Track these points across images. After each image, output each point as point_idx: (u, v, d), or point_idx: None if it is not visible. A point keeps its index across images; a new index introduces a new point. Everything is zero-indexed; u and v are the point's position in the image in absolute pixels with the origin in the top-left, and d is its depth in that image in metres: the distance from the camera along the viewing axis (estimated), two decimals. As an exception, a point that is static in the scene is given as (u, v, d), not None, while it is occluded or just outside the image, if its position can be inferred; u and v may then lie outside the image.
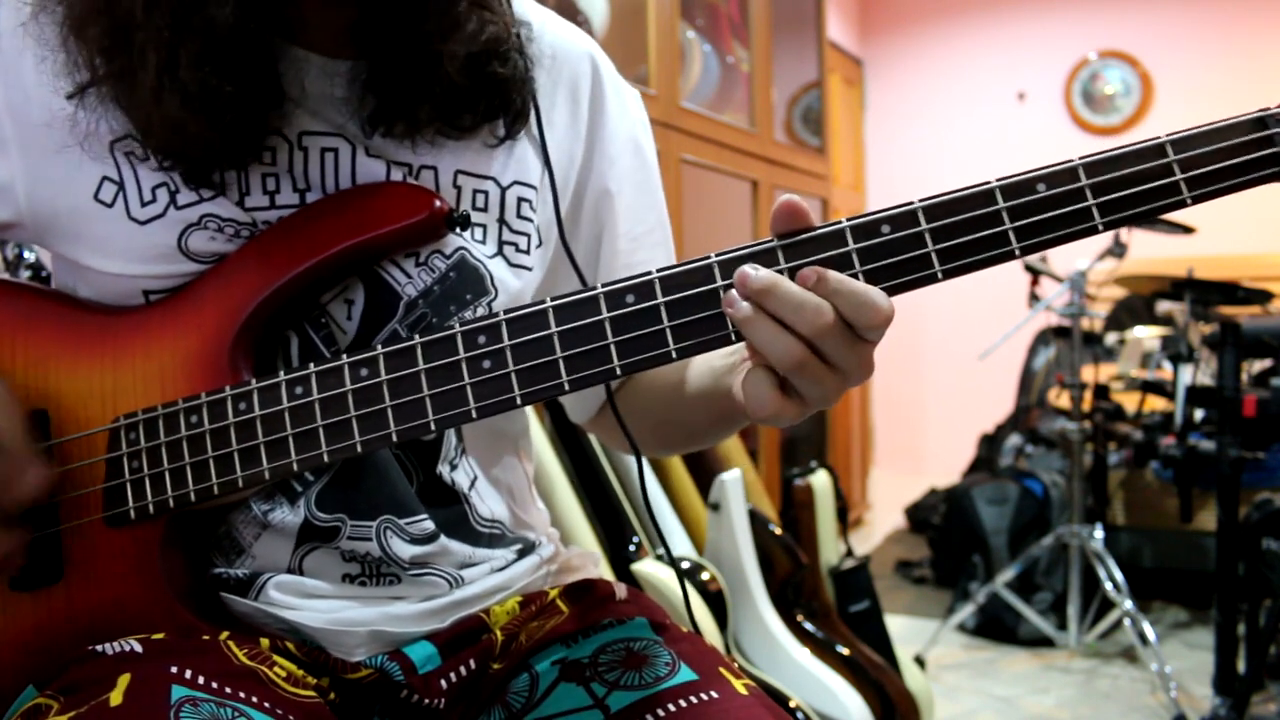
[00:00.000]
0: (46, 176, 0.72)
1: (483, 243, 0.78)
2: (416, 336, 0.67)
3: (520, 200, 0.80)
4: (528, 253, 0.80)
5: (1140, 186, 0.61)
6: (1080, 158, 0.61)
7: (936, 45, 5.63)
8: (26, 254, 1.24)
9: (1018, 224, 0.61)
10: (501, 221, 0.79)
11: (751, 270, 0.60)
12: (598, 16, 2.58)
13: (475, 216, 0.77)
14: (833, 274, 0.60)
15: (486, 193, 0.78)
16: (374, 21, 0.72)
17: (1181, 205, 0.61)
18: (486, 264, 0.77)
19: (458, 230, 0.75)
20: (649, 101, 2.62)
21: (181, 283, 0.73)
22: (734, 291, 0.61)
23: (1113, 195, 0.61)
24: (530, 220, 0.80)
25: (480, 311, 0.76)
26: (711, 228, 2.98)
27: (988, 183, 0.62)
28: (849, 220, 0.63)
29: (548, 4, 0.89)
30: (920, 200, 0.62)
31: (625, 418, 0.83)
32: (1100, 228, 0.61)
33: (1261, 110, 0.61)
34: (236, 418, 0.69)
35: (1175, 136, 0.61)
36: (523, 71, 0.77)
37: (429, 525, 0.76)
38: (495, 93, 0.75)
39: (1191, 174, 0.60)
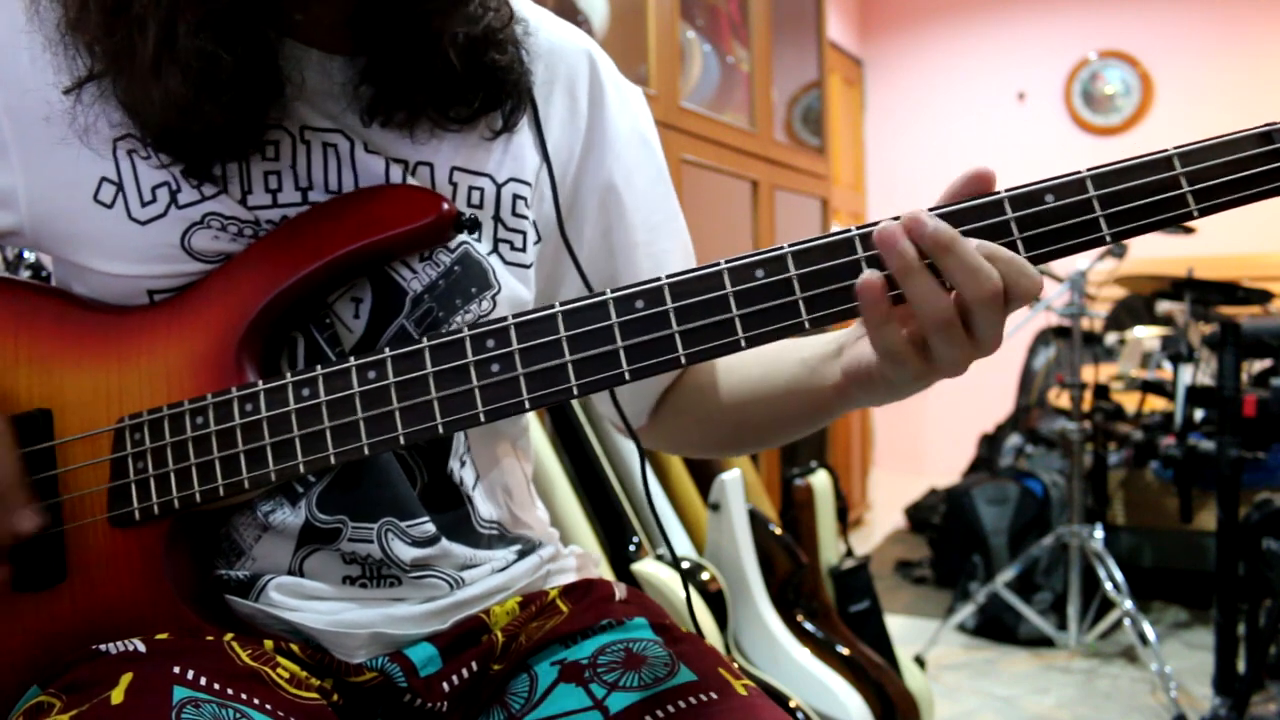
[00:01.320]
0: (46, 178, 0.72)
1: (479, 241, 0.78)
2: (424, 339, 0.67)
3: (516, 197, 0.80)
4: (524, 250, 0.80)
5: (1148, 199, 0.61)
6: (1088, 169, 0.62)
7: (936, 45, 5.63)
8: (26, 254, 1.24)
9: (1026, 235, 0.61)
10: (497, 219, 0.79)
11: (928, 220, 0.60)
12: (598, 16, 2.58)
13: (472, 215, 0.78)
14: (994, 245, 0.61)
15: (482, 189, 0.78)
16: (372, 14, 0.72)
17: (1189, 217, 0.61)
18: (487, 258, 0.77)
19: (465, 233, 0.75)
20: (649, 102, 2.61)
21: (186, 282, 0.73)
22: (895, 234, 0.61)
23: (1120, 207, 0.61)
24: (525, 217, 0.80)
25: (485, 305, 0.76)
26: (711, 228, 2.97)
27: (996, 193, 0.62)
28: (858, 229, 0.63)
29: (547, 4, 0.89)
30: (929, 209, 0.62)
31: (689, 421, 0.85)
32: (1108, 239, 0.61)
33: (1269, 125, 0.61)
34: (243, 419, 0.69)
35: (1182, 149, 0.61)
36: (520, 62, 0.77)
37: (430, 528, 0.76)
38: (493, 82, 0.76)
39: (1198, 187, 0.61)
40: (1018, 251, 0.62)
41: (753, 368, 0.82)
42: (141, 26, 0.66)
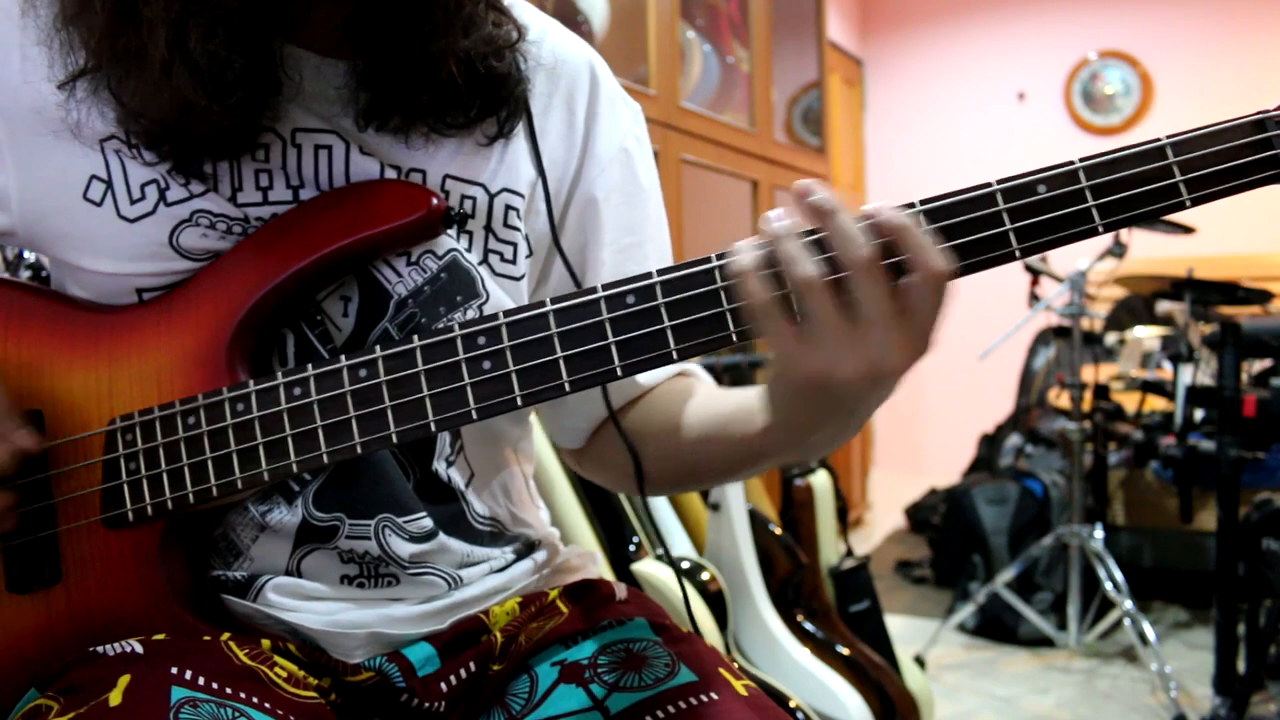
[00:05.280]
0: (38, 177, 0.72)
1: (469, 250, 0.77)
2: (416, 338, 0.67)
3: (508, 208, 0.79)
4: (514, 262, 0.80)
5: (1141, 188, 0.61)
6: (1081, 159, 0.61)
7: (936, 45, 5.63)
8: (26, 254, 1.24)
9: (1018, 225, 0.61)
10: (488, 229, 0.78)
11: (814, 185, 0.60)
12: (598, 17, 2.58)
13: (460, 211, 0.77)
14: (899, 214, 0.60)
15: (474, 199, 0.78)
16: (371, 18, 0.72)
17: (1181, 207, 0.61)
18: (477, 267, 0.77)
19: (454, 229, 0.75)
20: (649, 102, 2.61)
21: (175, 280, 0.73)
22: (771, 215, 0.62)
23: (1113, 197, 0.61)
24: (517, 229, 0.80)
25: (471, 314, 0.76)
26: (711, 228, 2.98)
27: (988, 184, 0.62)
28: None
29: (547, 4, 0.88)
30: (920, 202, 0.62)
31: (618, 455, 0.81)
32: (1100, 229, 0.61)
33: (1260, 113, 0.61)
34: (235, 419, 0.69)
35: (1175, 139, 0.61)
36: (518, 70, 0.77)
37: (428, 523, 0.76)
38: (490, 89, 0.75)
39: (1191, 176, 0.61)
40: (1010, 244, 0.61)
41: (696, 405, 0.80)
42: (151, 29, 0.66)
